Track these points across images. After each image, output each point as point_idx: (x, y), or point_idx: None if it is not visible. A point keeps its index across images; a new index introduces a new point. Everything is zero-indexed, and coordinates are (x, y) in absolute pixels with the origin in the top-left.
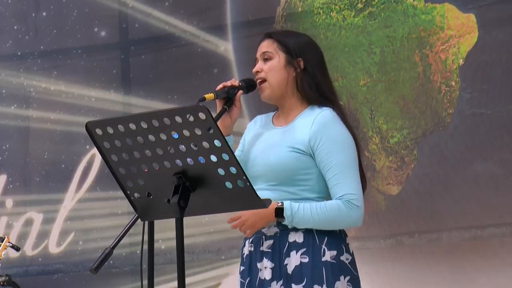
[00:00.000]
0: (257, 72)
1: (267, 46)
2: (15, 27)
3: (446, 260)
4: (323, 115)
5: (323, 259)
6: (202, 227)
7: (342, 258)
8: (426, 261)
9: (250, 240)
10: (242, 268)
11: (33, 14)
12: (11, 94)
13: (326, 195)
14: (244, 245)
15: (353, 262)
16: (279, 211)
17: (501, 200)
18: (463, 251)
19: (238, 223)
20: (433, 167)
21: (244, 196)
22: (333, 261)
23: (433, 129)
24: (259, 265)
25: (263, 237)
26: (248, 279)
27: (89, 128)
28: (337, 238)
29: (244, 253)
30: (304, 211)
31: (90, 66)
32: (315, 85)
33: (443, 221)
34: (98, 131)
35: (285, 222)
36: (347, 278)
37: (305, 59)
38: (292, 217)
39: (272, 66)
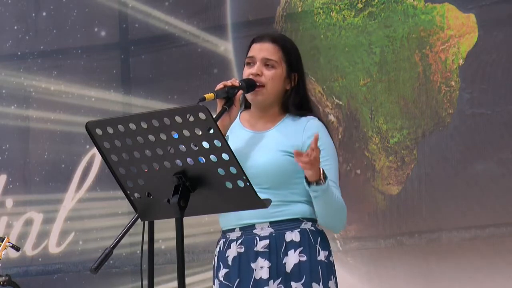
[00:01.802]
0: (257, 75)
1: (272, 52)
2: (15, 27)
3: (446, 260)
4: (313, 123)
5: (319, 258)
6: (202, 227)
7: (331, 259)
8: (426, 261)
9: (239, 241)
10: (225, 270)
11: (33, 14)
12: (11, 94)
13: (311, 200)
14: (228, 247)
15: (334, 264)
16: (325, 175)
17: (501, 200)
18: (463, 251)
19: (313, 156)
20: (433, 167)
21: (244, 196)
22: (326, 261)
23: (433, 129)
24: (253, 265)
25: (257, 237)
26: (237, 280)
27: (89, 128)
28: (325, 239)
29: (228, 256)
30: (333, 190)
31: (90, 66)
32: (299, 101)
33: (443, 221)
34: (98, 131)
35: (321, 187)
36: (334, 278)
37: (299, 75)
38: (327, 186)
39: (276, 76)
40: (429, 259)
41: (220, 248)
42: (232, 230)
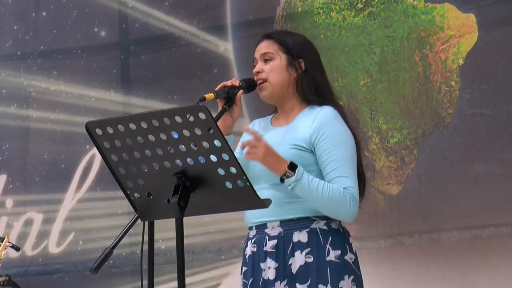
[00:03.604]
0: (258, 72)
1: (267, 47)
2: (15, 27)
3: (446, 260)
4: (324, 112)
5: (328, 258)
6: (202, 227)
7: (346, 257)
8: (426, 261)
9: (253, 240)
10: (244, 268)
11: (33, 14)
12: (11, 94)
13: None
14: (246, 246)
15: (356, 261)
16: (293, 166)
17: (501, 200)
18: (463, 251)
19: (255, 143)
20: (433, 167)
21: (244, 196)
22: (337, 260)
23: (433, 129)
24: (262, 265)
25: (267, 237)
26: (251, 279)
27: (89, 128)
28: (341, 237)
29: (246, 254)
30: (312, 181)
31: (90, 66)
32: (314, 86)
33: (443, 221)
34: (98, 131)
35: (290, 180)
36: (351, 277)
37: (305, 60)
38: (301, 176)
39: (274, 67)
40: (429, 259)
41: (244, 245)
42: (251, 228)
